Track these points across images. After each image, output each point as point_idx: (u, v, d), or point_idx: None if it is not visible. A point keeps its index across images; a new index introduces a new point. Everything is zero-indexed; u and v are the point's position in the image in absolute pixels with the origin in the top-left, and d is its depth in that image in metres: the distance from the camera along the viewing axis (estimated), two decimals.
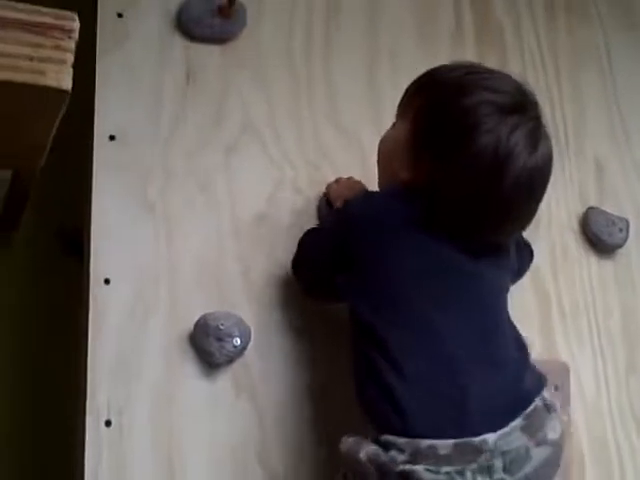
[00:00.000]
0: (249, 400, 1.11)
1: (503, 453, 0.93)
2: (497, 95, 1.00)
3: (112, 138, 1.19)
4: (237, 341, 1.10)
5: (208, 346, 1.09)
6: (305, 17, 1.37)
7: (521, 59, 1.49)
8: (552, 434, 0.98)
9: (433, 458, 0.91)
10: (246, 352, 1.12)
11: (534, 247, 1.22)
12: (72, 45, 0.88)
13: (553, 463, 0.99)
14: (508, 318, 1.05)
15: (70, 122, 1.03)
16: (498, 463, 0.93)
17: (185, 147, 1.22)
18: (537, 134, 1.01)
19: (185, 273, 1.15)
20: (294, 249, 1.16)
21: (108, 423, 1.05)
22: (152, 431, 1.06)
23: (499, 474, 0.93)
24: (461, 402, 0.95)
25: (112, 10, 1.25)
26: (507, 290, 1.08)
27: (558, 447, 0.99)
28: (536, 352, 1.27)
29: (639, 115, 1.52)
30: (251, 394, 1.12)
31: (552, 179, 1.04)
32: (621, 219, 1.39)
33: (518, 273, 1.17)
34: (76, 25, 0.89)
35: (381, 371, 0.96)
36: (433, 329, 0.98)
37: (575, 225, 1.39)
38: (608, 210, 1.40)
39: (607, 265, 1.38)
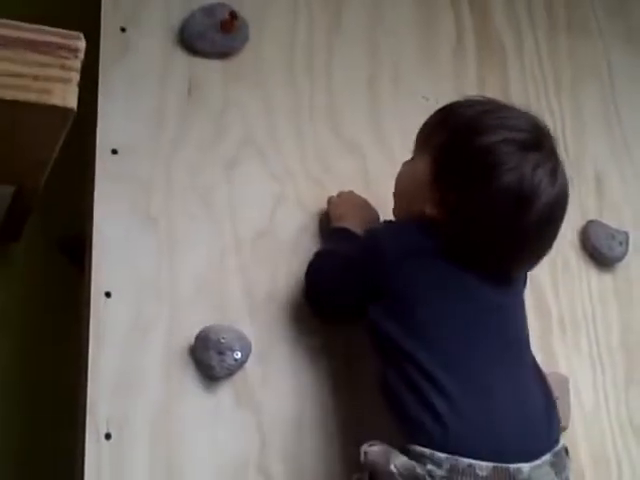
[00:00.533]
0: (249, 413, 1.11)
1: None
2: (516, 133, 1.03)
3: (114, 152, 1.19)
4: (238, 354, 1.10)
5: (208, 359, 1.10)
6: (306, 32, 1.37)
7: (522, 74, 1.50)
8: (571, 476, 1.01)
9: (471, 477, 0.92)
10: (246, 365, 1.12)
11: None
12: (78, 64, 0.88)
13: None
14: (532, 356, 1.09)
15: (72, 135, 1.03)
16: None
17: (187, 161, 1.22)
18: (556, 167, 1.04)
19: (186, 287, 1.15)
20: (295, 263, 1.17)
21: (108, 436, 1.05)
22: (152, 444, 1.06)
23: None
24: (498, 429, 0.97)
25: (115, 25, 1.25)
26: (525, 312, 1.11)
27: None
28: None
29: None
30: (251, 407, 1.12)
31: None
32: (620, 232, 1.39)
33: None
34: (82, 45, 0.89)
35: (422, 389, 0.98)
36: (472, 358, 1.01)
37: (575, 238, 1.39)
38: (608, 221, 1.41)
39: (607, 278, 1.39)
